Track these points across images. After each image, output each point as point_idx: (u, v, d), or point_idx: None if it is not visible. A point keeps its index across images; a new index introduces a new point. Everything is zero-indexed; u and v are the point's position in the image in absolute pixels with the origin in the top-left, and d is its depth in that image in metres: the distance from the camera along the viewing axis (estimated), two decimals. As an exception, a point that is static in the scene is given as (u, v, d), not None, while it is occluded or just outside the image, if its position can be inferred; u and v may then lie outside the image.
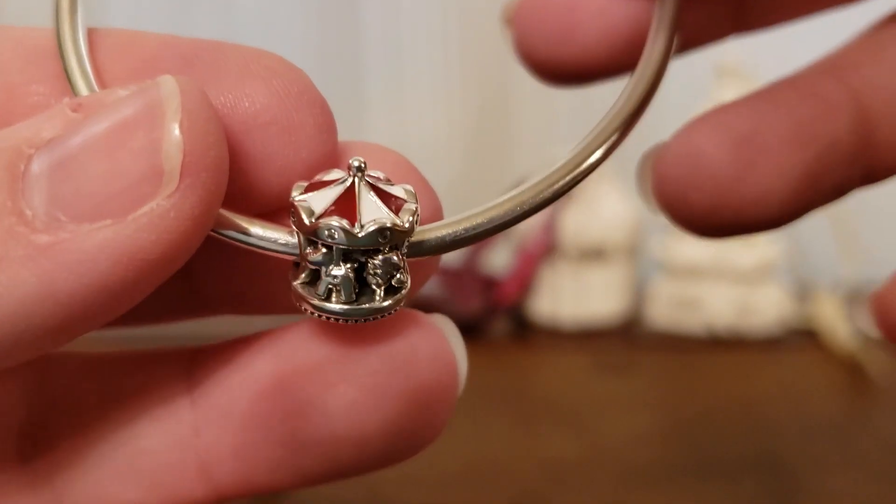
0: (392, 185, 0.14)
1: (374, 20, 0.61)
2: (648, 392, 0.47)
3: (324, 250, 0.13)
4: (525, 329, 0.54)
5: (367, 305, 0.14)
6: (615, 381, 0.47)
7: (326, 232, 0.13)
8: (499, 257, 0.56)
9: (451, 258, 0.56)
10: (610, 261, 0.54)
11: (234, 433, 0.15)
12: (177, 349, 0.16)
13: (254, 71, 0.13)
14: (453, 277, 0.54)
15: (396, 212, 0.13)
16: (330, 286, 0.13)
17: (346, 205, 0.13)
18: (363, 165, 0.13)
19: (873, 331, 0.20)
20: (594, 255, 0.54)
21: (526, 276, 0.53)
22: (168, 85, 0.12)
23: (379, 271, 0.13)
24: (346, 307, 0.14)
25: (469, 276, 0.54)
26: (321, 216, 0.13)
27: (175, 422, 0.15)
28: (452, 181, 0.59)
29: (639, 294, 0.55)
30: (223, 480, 0.15)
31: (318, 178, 0.14)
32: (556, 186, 0.15)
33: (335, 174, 0.14)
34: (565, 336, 0.53)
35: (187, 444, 0.15)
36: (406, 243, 0.14)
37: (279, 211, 0.14)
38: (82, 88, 0.14)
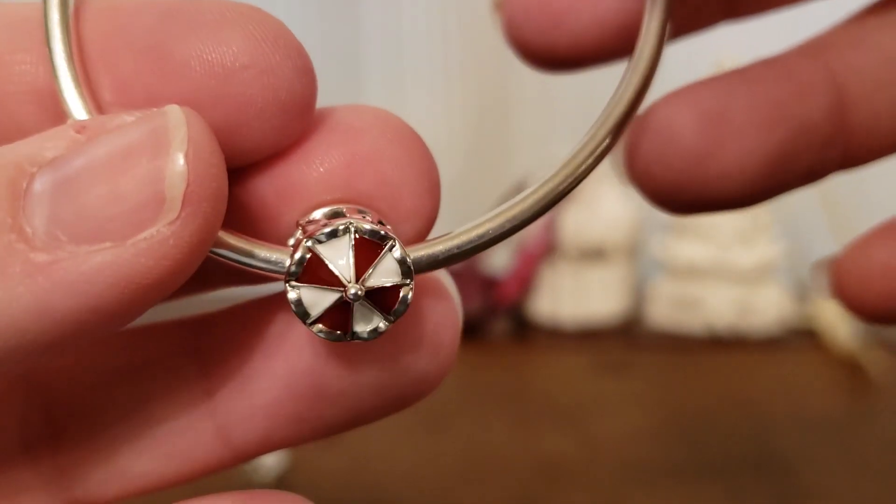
0: (382, 226, 0.14)
1: (375, 20, 0.61)
2: (648, 392, 0.47)
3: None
4: (525, 329, 0.54)
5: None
6: (615, 381, 0.47)
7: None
8: (499, 257, 0.56)
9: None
10: (610, 261, 0.54)
11: (255, 394, 0.15)
12: (179, 320, 0.16)
13: (230, 18, 0.14)
14: (453, 277, 0.54)
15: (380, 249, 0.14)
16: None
17: (339, 316, 0.14)
18: (359, 291, 0.13)
19: (828, 295, 0.20)
20: (594, 255, 0.54)
21: (526, 276, 0.53)
22: (174, 114, 0.12)
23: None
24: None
25: (469, 276, 0.54)
26: (314, 322, 0.13)
27: (185, 389, 0.15)
28: (452, 181, 0.59)
29: (639, 294, 0.55)
30: (244, 440, 0.15)
31: (313, 220, 0.14)
32: (550, 196, 0.15)
33: (327, 226, 0.14)
34: (565, 336, 0.53)
35: (200, 409, 0.15)
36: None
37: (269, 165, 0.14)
38: (62, 64, 0.14)
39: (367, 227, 0.13)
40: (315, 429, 0.15)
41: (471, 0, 0.61)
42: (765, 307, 0.52)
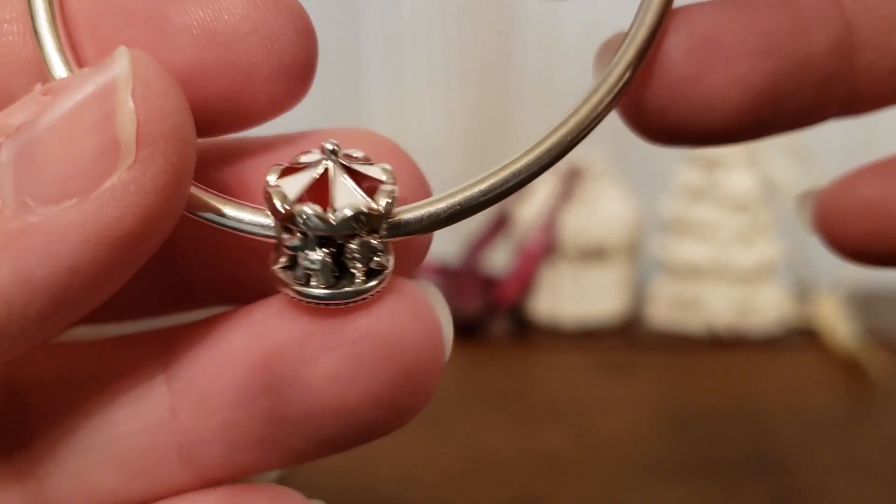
0: (371, 164, 0.14)
1: (374, 19, 0.61)
2: (648, 392, 0.47)
3: (300, 235, 0.13)
4: (525, 329, 0.54)
5: (348, 289, 0.13)
6: (615, 381, 0.47)
7: (300, 219, 0.13)
8: (499, 257, 0.56)
9: (451, 258, 0.56)
10: (610, 261, 0.54)
11: (213, 413, 0.14)
12: (151, 332, 0.16)
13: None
14: (453, 277, 0.54)
15: (372, 193, 0.13)
16: (308, 271, 0.13)
17: (319, 190, 0.13)
18: (337, 148, 0.13)
19: (810, 226, 0.19)
20: (594, 255, 0.53)
21: (526, 276, 0.53)
22: (121, 58, 0.12)
23: (357, 255, 0.13)
24: (326, 291, 0.13)
25: (469, 276, 0.54)
26: (295, 202, 0.13)
27: (151, 405, 0.15)
28: (452, 181, 0.59)
29: (639, 294, 0.55)
30: (207, 463, 0.14)
31: (294, 160, 0.13)
32: (539, 162, 0.15)
33: (311, 157, 0.13)
34: (565, 336, 0.53)
35: (166, 428, 0.14)
36: (384, 226, 0.13)
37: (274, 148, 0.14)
38: (45, 31, 0.13)
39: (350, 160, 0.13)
40: (282, 454, 0.14)
41: (471, 0, 0.61)
42: (765, 307, 0.52)
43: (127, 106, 0.12)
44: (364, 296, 0.13)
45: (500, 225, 0.56)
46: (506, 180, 0.14)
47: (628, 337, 0.53)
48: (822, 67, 0.17)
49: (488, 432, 0.42)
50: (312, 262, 0.13)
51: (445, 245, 0.59)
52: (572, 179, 0.54)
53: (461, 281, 0.54)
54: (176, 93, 0.12)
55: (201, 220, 0.13)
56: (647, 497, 0.36)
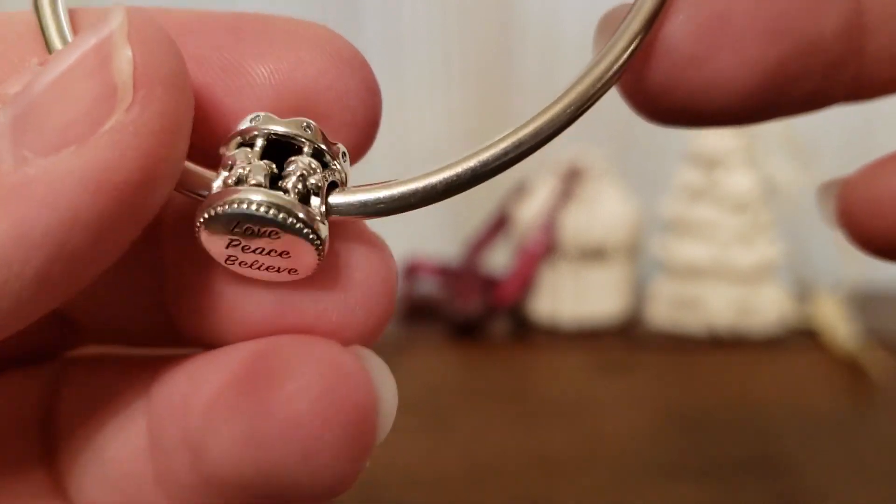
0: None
1: (374, 19, 0.61)
2: (648, 392, 0.47)
3: (246, 151, 0.13)
4: (525, 329, 0.54)
5: (286, 198, 0.13)
6: (615, 381, 0.47)
7: (251, 120, 0.13)
8: (499, 257, 0.56)
9: (451, 258, 0.56)
10: (610, 261, 0.54)
11: (164, 460, 0.14)
12: (147, 358, 0.15)
13: (305, 37, 0.13)
14: (453, 277, 0.54)
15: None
16: (242, 171, 0.13)
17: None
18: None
19: (833, 221, 0.18)
20: (594, 255, 0.53)
21: (526, 276, 0.53)
22: (116, 12, 0.12)
23: (294, 171, 0.13)
24: (260, 197, 0.12)
25: (469, 276, 0.54)
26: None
27: (134, 431, 0.14)
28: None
29: (639, 294, 0.55)
30: (180, 496, 0.14)
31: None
32: (499, 158, 0.14)
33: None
34: (565, 336, 0.53)
35: (145, 455, 0.14)
36: (332, 170, 0.13)
37: None
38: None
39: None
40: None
41: (471, 0, 0.61)
42: (765, 307, 0.52)
43: (123, 50, 0.12)
44: (302, 222, 0.13)
45: (500, 225, 0.56)
46: (506, 151, 0.14)
47: (628, 337, 0.53)
48: (831, 50, 0.16)
49: (488, 432, 0.42)
50: (249, 163, 0.13)
51: (445, 245, 0.59)
52: (572, 179, 0.54)
53: (461, 281, 0.54)
54: (171, 42, 0.12)
55: (190, 195, 0.13)
56: (647, 497, 0.36)
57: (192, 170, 0.13)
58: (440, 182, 0.14)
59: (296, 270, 0.13)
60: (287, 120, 0.13)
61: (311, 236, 0.13)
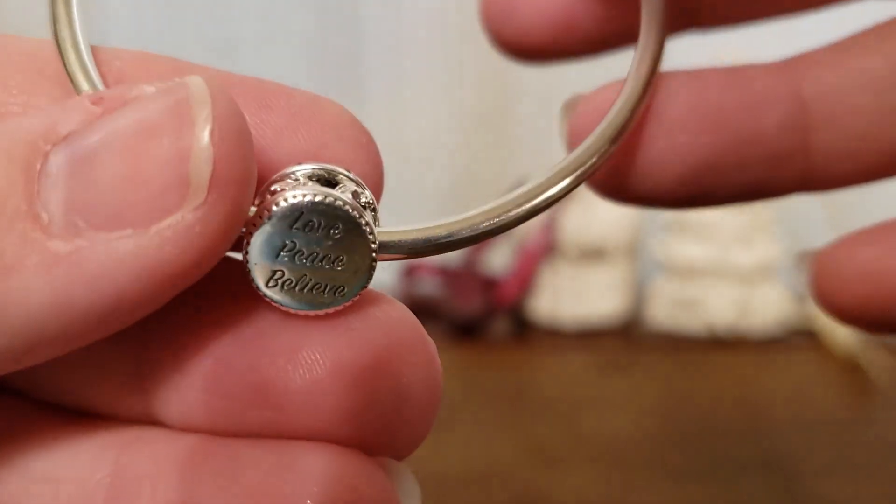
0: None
1: (374, 19, 0.61)
2: (648, 392, 0.47)
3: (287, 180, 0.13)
4: (525, 329, 0.54)
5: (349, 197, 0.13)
6: (615, 381, 0.47)
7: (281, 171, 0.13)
8: (499, 257, 0.56)
9: (451, 258, 0.56)
10: (610, 261, 0.54)
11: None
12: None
13: (328, 123, 0.13)
14: (453, 277, 0.54)
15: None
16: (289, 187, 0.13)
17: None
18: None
19: (807, 290, 0.19)
20: (594, 255, 0.54)
21: (526, 276, 0.53)
22: (198, 88, 0.11)
23: (347, 187, 0.13)
24: (330, 190, 0.12)
25: (469, 276, 0.54)
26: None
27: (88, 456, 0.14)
28: (452, 181, 0.59)
29: (639, 294, 0.55)
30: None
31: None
32: (514, 215, 0.15)
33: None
34: (565, 336, 0.53)
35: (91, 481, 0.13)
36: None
37: None
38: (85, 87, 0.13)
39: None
40: None
41: (471, 0, 0.61)
42: (765, 307, 0.52)
43: (204, 144, 0.11)
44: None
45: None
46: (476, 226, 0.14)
47: (628, 337, 0.53)
48: (771, 144, 0.17)
49: (488, 432, 0.42)
50: (297, 183, 0.12)
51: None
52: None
53: (461, 281, 0.54)
54: (249, 135, 0.12)
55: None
56: (647, 497, 0.36)
57: None
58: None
59: (342, 289, 0.13)
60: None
61: (370, 235, 0.13)
